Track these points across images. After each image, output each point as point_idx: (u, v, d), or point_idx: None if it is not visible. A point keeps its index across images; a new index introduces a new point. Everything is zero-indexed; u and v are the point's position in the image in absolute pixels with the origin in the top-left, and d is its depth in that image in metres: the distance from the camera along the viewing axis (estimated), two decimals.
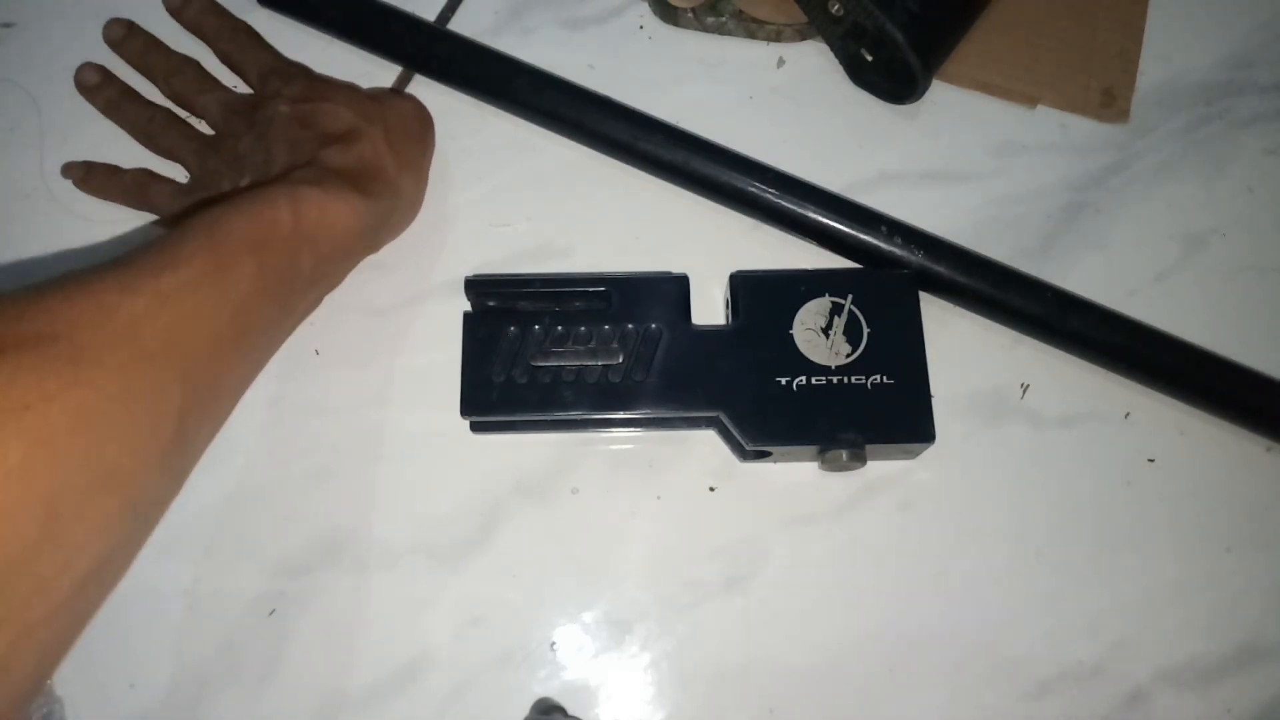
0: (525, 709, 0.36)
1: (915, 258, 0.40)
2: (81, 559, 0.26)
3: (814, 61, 0.46)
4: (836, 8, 0.43)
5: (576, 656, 0.38)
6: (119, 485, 0.27)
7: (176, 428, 0.29)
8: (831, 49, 0.46)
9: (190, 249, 0.31)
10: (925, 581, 0.38)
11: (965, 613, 0.38)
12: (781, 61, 0.47)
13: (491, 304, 0.39)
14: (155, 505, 0.30)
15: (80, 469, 0.26)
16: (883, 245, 0.40)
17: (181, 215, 0.40)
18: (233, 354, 0.33)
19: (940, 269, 0.40)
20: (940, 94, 0.46)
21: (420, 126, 0.44)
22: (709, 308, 0.41)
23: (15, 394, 0.24)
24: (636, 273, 0.40)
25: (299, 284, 0.36)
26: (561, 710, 0.36)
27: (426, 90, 0.46)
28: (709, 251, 0.42)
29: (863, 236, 0.41)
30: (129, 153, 0.44)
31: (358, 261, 0.41)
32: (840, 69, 0.46)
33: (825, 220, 0.41)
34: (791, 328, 0.38)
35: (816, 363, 0.38)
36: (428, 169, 0.44)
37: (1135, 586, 0.38)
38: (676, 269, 0.40)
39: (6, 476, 0.24)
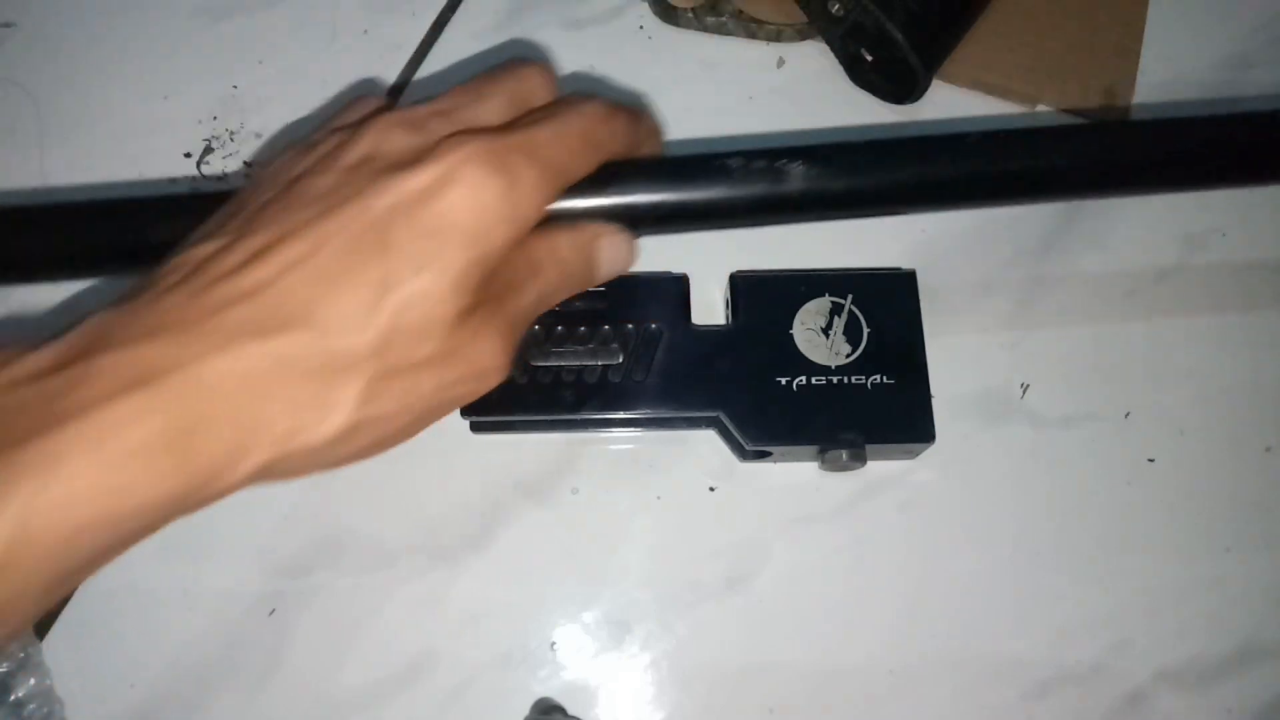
0: (525, 709, 0.36)
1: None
2: None
3: (814, 61, 0.46)
4: (836, 8, 0.43)
5: (576, 656, 0.38)
6: None
7: None
8: (831, 49, 0.46)
9: None
10: (925, 581, 0.38)
11: (965, 613, 0.38)
12: (781, 61, 0.47)
13: None
14: None
15: None
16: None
17: None
18: None
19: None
20: (940, 94, 0.46)
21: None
22: (709, 308, 0.41)
23: None
24: (636, 273, 0.40)
25: None
26: (561, 710, 0.36)
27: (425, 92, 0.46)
28: (708, 251, 0.42)
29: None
30: (129, 154, 0.44)
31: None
32: (840, 69, 0.46)
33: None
34: (791, 328, 0.38)
35: (816, 363, 0.38)
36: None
37: (1135, 586, 0.38)
38: (676, 269, 0.40)
39: None
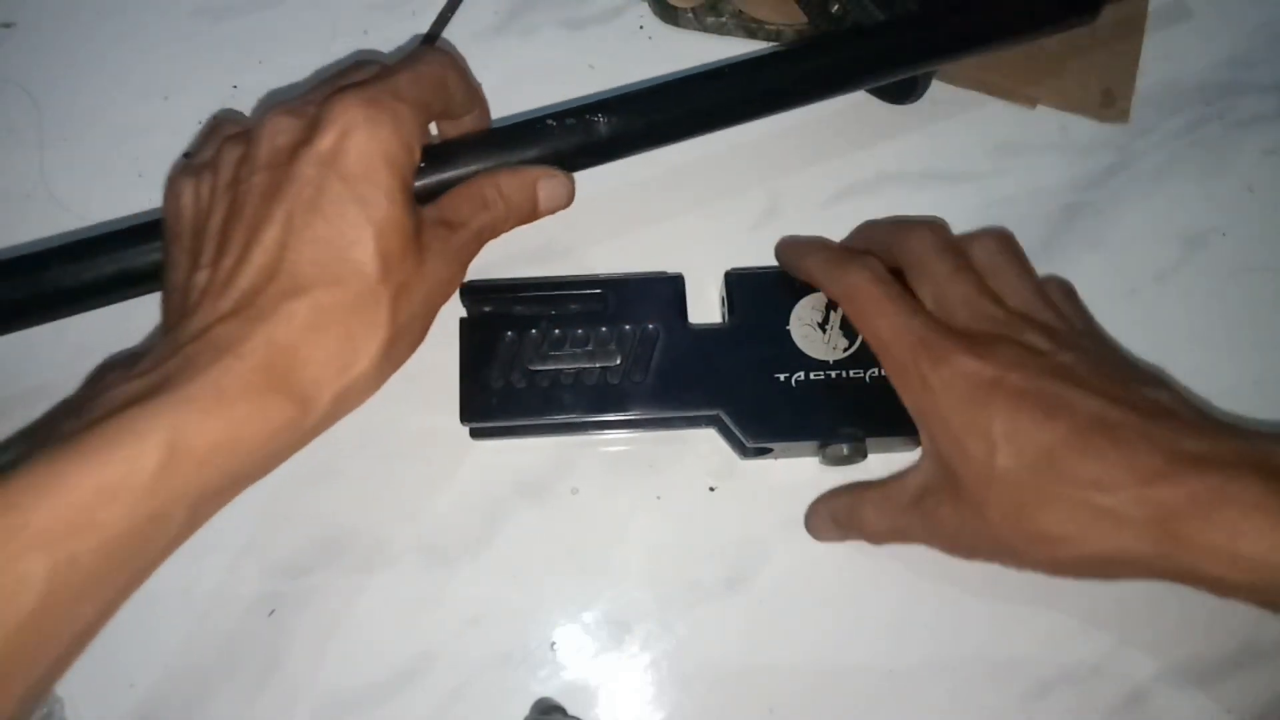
0: (525, 709, 0.36)
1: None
2: None
3: None
4: (836, 8, 0.43)
5: (576, 656, 0.38)
6: None
7: None
8: None
9: None
10: (926, 580, 0.38)
11: (966, 612, 0.38)
12: None
13: (488, 309, 0.39)
14: None
15: None
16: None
17: None
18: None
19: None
20: (940, 94, 0.46)
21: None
22: (705, 307, 0.41)
23: None
24: (632, 273, 0.40)
25: (156, 546, 0.27)
26: (561, 710, 0.36)
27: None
28: (704, 250, 0.42)
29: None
30: (129, 154, 0.44)
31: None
32: None
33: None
34: (788, 324, 0.38)
35: (814, 358, 0.38)
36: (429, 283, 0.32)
37: (1136, 586, 0.38)
38: (671, 268, 0.40)
39: None
